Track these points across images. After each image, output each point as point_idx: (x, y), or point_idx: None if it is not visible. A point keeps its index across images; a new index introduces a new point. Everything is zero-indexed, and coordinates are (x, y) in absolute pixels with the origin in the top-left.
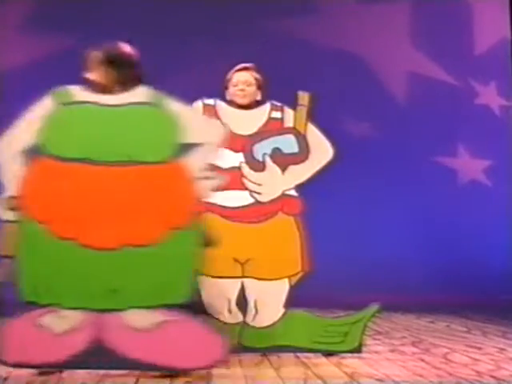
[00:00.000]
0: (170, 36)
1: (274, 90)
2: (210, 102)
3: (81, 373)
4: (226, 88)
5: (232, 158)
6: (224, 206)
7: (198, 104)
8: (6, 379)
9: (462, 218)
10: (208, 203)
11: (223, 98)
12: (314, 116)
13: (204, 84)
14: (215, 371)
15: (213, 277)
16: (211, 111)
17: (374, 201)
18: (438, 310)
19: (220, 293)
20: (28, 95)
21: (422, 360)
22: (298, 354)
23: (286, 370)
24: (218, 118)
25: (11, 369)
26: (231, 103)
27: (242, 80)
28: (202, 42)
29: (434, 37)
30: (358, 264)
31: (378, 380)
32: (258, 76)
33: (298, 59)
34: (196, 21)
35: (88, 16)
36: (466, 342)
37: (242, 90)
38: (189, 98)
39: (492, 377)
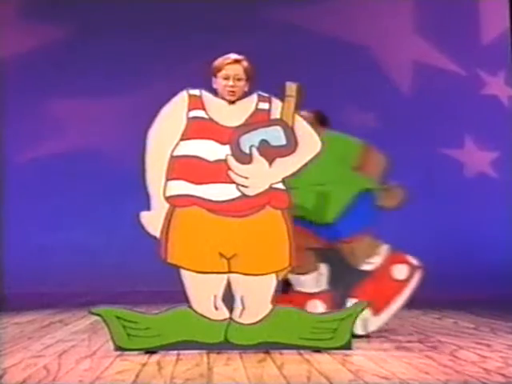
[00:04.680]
0: (165, 28)
1: (278, 79)
2: (196, 92)
3: (78, 372)
4: (214, 76)
5: (218, 151)
6: (210, 200)
7: (183, 94)
8: (1, 377)
9: (469, 211)
10: (194, 197)
11: (210, 85)
12: (302, 106)
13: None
14: (216, 369)
15: (198, 272)
16: (197, 102)
17: None
18: (445, 307)
19: (206, 288)
20: (21, 85)
21: (429, 357)
22: (302, 352)
23: (289, 368)
24: (204, 109)
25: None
26: (217, 93)
27: (233, 74)
28: (206, 35)
29: (441, 26)
30: None
31: (383, 378)
32: (248, 67)
33: (303, 49)
34: (198, 15)
35: (81, 7)
36: (473, 338)
37: (232, 86)
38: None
39: (501, 374)
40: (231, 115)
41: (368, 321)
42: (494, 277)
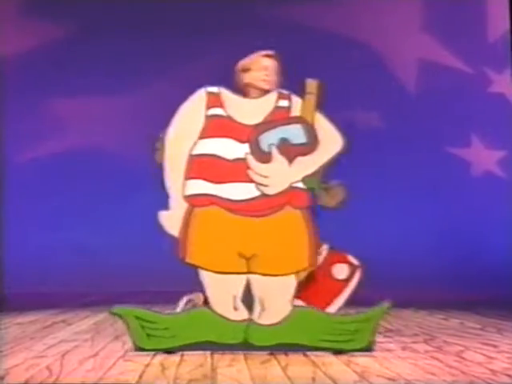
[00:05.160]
0: (166, 28)
1: (286, 76)
2: (214, 89)
3: (81, 373)
4: (247, 71)
5: (237, 149)
6: (229, 199)
7: (201, 92)
8: (3, 378)
9: (475, 210)
10: (212, 196)
11: (234, 83)
12: (322, 104)
13: (215, 73)
14: (220, 370)
15: (217, 272)
16: (215, 99)
17: (384, 193)
18: (451, 307)
19: (225, 289)
20: (21, 85)
21: (435, 358)
22: (307, 353)
23: (293, 369)
24: (223, 106)
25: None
26: (244, 90)
27: (269, 66)
28: (206, 34)
29: (447, 23)
30: (367, 259)
31: (389, 379)
32: (278, 64)
33: (306, 47)
34: (198, 15)
35: (82, 6)
36: (480, 339)
37: (268, 75)
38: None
39: (507, 376)
40: (250, 113)
41: None
42: (500, 277)
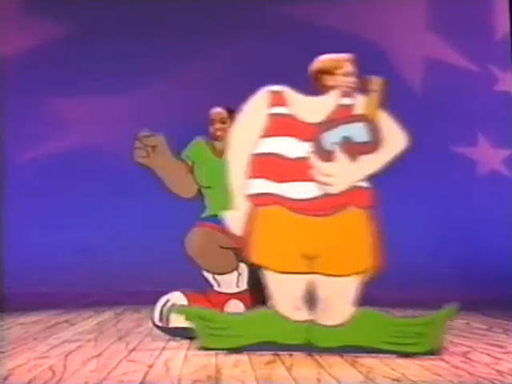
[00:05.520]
0: (166, 27)
1: (289, 76)
2: (278, 88)
3: (84, 373)
4: (328, 73)
5: (299, 148)
6: (291, 198)
7: (264, 91)
8: (6, 378)
9: (481, 210)
10: (275, 195)
11: (309, 84)
12: (385, 102)
13: (215, 73)
14: (224, 370)
15: (280, 272)
16: (278, 98)
17: (387, 192)
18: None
19: (287, 289)
20: (21, 84)
21: (441, 359)
22: (312, 353)
23: (298, 370)
24: (286, 105)
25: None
26: (325, 89)
27: (352, 71)
28: (207, 34)
29: (451, 21)
30: None
31: (394, 380)
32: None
33: (312, 45)
34: (198, 14)
35: (82, 5)
36: (486, 340)
37: (354, 81)
38: (210, 87)
39: None
40: (313, 111)
41: None
42: (505, 277)
